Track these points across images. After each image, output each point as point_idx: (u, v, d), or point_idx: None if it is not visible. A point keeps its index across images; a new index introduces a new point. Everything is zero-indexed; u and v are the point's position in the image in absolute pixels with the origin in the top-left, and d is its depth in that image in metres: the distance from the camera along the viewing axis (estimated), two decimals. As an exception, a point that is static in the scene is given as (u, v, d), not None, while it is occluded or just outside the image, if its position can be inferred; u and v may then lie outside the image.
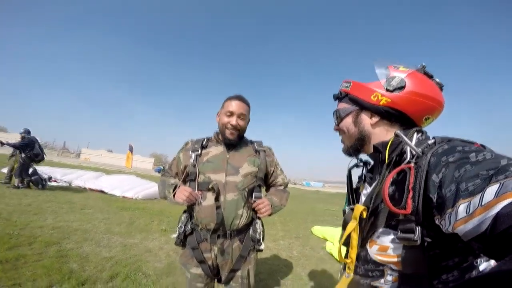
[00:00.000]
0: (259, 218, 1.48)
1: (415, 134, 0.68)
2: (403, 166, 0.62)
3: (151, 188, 8.91)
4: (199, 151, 1.44)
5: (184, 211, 1.48)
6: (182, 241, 1.41)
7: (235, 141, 1.43)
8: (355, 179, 0.91)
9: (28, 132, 7.48)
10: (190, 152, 1.44)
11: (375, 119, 0.75)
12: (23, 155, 7.04)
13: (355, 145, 0.81)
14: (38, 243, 3.05)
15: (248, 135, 1.56)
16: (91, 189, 8.39)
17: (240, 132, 1.43)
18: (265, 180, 1.55)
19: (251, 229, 1.44)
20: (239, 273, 1.40)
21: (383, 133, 0.75)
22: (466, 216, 0.45)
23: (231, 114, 1.39)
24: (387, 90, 0.71)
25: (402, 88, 0.69)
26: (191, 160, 1.41)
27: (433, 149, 0.59)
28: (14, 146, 7.10)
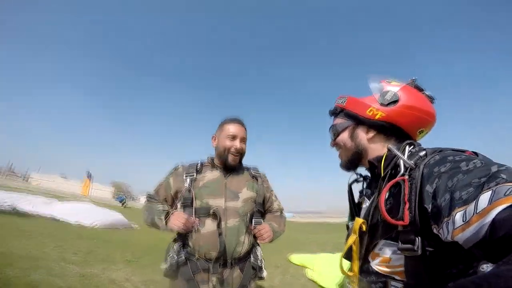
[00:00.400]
0: (258, 244, 1.41)
1: (407, 147, 0.69)
2: (397, 178, 0.63)
3: (111, 216, 8.09)
4: (194, 175, 1.35)
5: (175, 239, 1.33)
6: (174, 272, 1.25)
7: (237, 165, 1.39)
8: (356, 194, 0.91)
9: None
10: (184, 176, 1.34)
11: (371, 133, 0.76)
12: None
13: (352, 160, 0.81)
14: (-28, 270, 2.47)
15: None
16: (39, 215, 7.31)
17: (241, 156, 1.40)
18: (262, 206, 1.48)
19: (251, 256, 1.34)
20: None
21: (379, 148, 0.76)
22: (463, 224, 0.46)
23: (234, 137, 1.36)
24: (382, 104, 0.73)
25: (395, 102, 0.72)
26: (186, 185, 1.31)
27: (425, 161, 0.60)
28: None
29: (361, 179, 0.87)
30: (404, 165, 0.64)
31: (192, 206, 1.27)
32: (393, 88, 0.73)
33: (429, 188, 0.55)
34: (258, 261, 1.35)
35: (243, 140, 1.39)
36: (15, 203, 7.98)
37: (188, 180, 1.32)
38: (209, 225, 1.24)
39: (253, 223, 1.34)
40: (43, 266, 3.02)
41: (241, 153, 1.38)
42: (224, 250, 1.22)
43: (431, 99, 0.75)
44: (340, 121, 0.83)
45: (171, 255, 1.25)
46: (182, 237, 1.28)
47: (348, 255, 0.75)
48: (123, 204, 20.42)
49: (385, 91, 0.73)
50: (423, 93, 0.75)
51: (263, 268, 1.38)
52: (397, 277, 0.62)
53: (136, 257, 4.31)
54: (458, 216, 0.46)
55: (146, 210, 1.38)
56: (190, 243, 1.26)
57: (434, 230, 0.53)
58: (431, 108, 0.74)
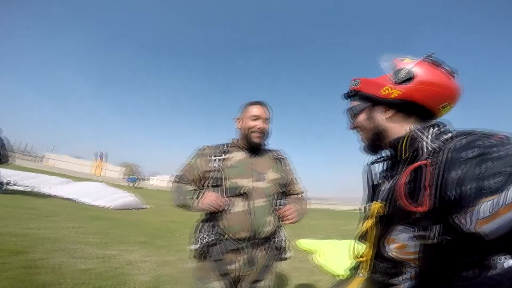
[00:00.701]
0: (282, 226, 1.42)
1: (431, 128, 0.66)
2: (419, 162, 0.60)
3: (125, 197, 8.35)
4: (223, 155, 1.37)
5: (203, 220, 1.35)
6: (203, 253, 1.26)
7: (260, 145, 1.41)
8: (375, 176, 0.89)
9: None
10: (212, 157, 1.37)
11: (390, 113, 0.74)
12: (-18, 153, 6.25)
13: (373, 141, 0.80)
14: (0, 252, 2.62)
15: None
16: (56, 196, 7.61)
17: (265, 136, 1.42)
18: (285, 188, 1.50)
19: (275, 237, 1.37)
20: (261, 284, 1.32)
21: (399, 127, 0.74)
22: (489, 215, 0.44)
23: (257, 118, 1.38)
24: (396, 82, 0.70)
25: (411, 79, 0.69)
26: (215, 165, 1.34)
27: (451, 144, 0.57)
28: None
29: (381, 159, 0.85)
30: (427, 148, 0.61)
31: (222, 186, 1.29)
32: (407, 65, 0.70)
33: (454, 175, 0.52)
34: (282, 242, 1.38)
35: (266, 120, 1.41)
36: (33, 184, 8.34)
37: (217, 160, 1.35)
38: (239, 205, 1.27)
39: (277, 204, 1.35)
40: (64, 248, 3.18)
41: (264, 133, 1.40)
42: (253, 230, 1.25)
43: (451, 73, 0.71)
44: (355, 103, 0.82)
45: (201, 235, 1.27)
46: (212, 218, 1.30)
47: (362, 239, 0.75)
48: (134, 185, 21.03)
49: (398, 69, 0.71)
50: (442, 67, 0.71)
51: (287, 249, 1.41)
52: (412, 264, 0.61)
53: (150, 239, 4.49)
54: (484, 206, 0.45)
55: (176, 191, 1.39)
56: (220, 223, 1.27)
57: (456, 220, 0.51)
58: (451, 82, 0.70)
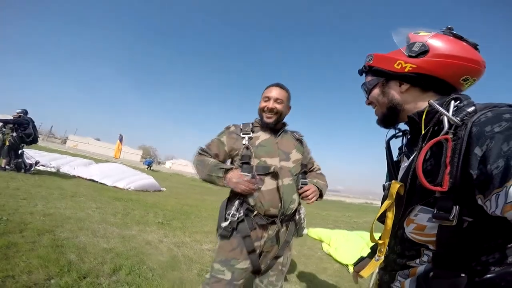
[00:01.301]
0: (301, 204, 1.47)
1: (453, 101, 0.62)
2: (439, 137, 0.57)
3: (143, 179, 8.65)
4: (251, 134, 1.41)
5: (231, 197, 1.38)
6: (231, 230, 1.28)
7: (272, 124, 1.42)
8: (395, 152, 0.87)
9: (25, 112, 7.04)
10: (241, 134, 1.41)
11: (405, 86, 0.72)
12: (14, 134, 6.62)
13: (388, 115, 0.78)
14: (30, 231, 2.80)
15: None
16: (80, 177, 8.01)
17: (277, 116, 1.42)
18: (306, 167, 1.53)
19: (296, 214, 1.42)
20: (280, 259, 1.40)
21: (416, 101, 0.71)
22: None
23: (268, 99, 1.41)
24: (410, 56, 0.68)
25: (425, 52, 0.66)
26: (244, 142, 1.37)
27: (475, 118, 0.53)
28: (6, 121, 6.67)
29: (400, 134, 0.83)
30: (449, 122, 0.57)
31: (250, 164, 1.31)
32: (422, 38, 0.68)
33: (478, 151, 0.49)
34: (302, 219, 1.43)
35: (278, 100, 1.41)
36: (59, 165, 8.81)
37: (246, 137, 1.39)
38: (269, 183, 1.30)
39: (300, 184, 1.39)
40: (88, 227, 3.36)
41: (274, 112, 1.41)
42: (282, 207, 1.30)
43: (473, 45, 0.67)
44: (370, 78, 0.82)
45: (232, 212, 1.29)
46: (240, 194, 1.31)
47: (381, 220, 0.74)
48: (149, 167, 21.79)
49: (412, 43, 0.69)
50: (462, 40, 0.67)
51: (304, 226, 1.47)
52: (430, 246, 0.59)
53: (167, 220, 4.66)
54: None
55: (199, 164, 1.40)
56: (251, 200, 1.30)
57: (479, 201, 0.49)
58: (473, 54, 0.65)
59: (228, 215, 1.29)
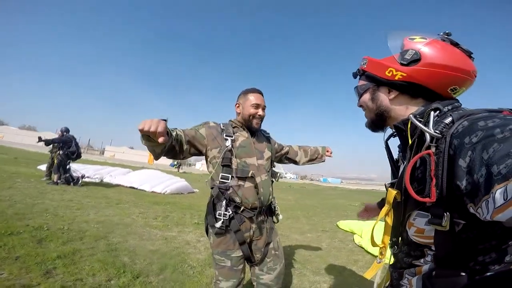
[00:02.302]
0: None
1: (432, 112, 0.62)
2: (422, 153, 0.59)
3: (177, 182, 9.15)
4: (233, 136, 1.52)
5: (215, 199, 1.46)
6: (225, 227, 1.42)
7: (259, 129, 1.62)
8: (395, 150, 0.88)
9: (67, 130, 7.83)
10: (224, 135, 1.51)
11: (393, 94, 0.73)
12: (61, 152, 7.40)
13: (376, 121, 0.80)
14: (88, 238, 3.20)
15: (269, 128, 1.80)
16: (121, 185, 8.72)
17: (262, 121, 1.61)
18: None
19: (272, 204, 1.63)
20: (271, 245, 1.58)
21: (403, 108, 0.72)
22: (504, 203, 0.41)
23: (258, 106, 1.55)
24: (401, 64, 0.69)
25: (417, 60, 0.66)
26: (227, 144, 1.48)
27: (453, 129, 0.54)
28: (52, 141, 7.48)
29: (396, 135, 0.84)
30: (430, 135, 0.59)
31: (232, 166, 1.46)
32: (416, 45, 0.68)
33: (462, 163, 0.50)
34: (276, 207, 1.66)
35: (264, 108, 1.59)
36: (101, 175, 9.64)
37: (229, 140, 1.49)
38: (249, 181, 1.48)
39: (273, 177, 1.64)
40: (135, 232, 3.73)
41: (262, 119, 1.60)
42: (262, 200, 1.50)
43: (467, 53, 0.67)
44: (362, 82, 0.83)
45: (222, 212, 1.41)
46: (226, 195, 1.44)
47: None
48: (177, 167, 23.08)
49: (405, 50, 0.69)
50: (458, 47, 0.67)
51: (279, 213, 1.68)
52: (432, 247, 0.62)
53: (202, 220, 4.93)
54: (498, 194, 0.42)
55: None
56: (236, 198, 1.45)
57: (471, 210, 0.50)
58: (465, 64, 0.65)
59: (219, 215, 1.41)
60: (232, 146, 1.48)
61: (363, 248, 4.14)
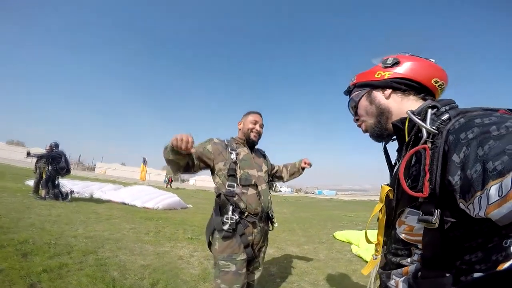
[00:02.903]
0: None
1: (429, 110, 0.65)
2: (418, 147, 0.59)
3: (170, 198, 8.97)
4: (236, 150, 1.71)
5: (221, 206, 1.59)
6: (233, 230, 1.53)
7: (256, 142, 1.82)
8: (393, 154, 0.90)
9: (56, 145, 7.68)
10: (229, 150, 1.69)
11: (388, 92, 0.78)
12: (49, 167, 7.22)
13: (379, 123, 0.80)
14: (76, 252, 3.07)
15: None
16: (112, 201, 8.48)
17: (259, 137, 1.84)
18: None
19: (270, 211, 1.78)
20: (263, 249, 1.76)
21: (399, 106, 0.76)
22: (499, 200, 0.41)
23: (256, 122, 1.81)
24: (385, 67, 0.78)
25: (397, 63, 0.77)
26: (232, 157, 1.66)
27: (449, 125, 0.56)
28: (41, 156, 7.31)
29: (395, 137, 0.84)
30: (427, 131, 0.60)
31: (236, 175, 1.62)
32: (392, 55, 0.79)
33: (456, 158, 0.50)
34: (273, 214, 1.80)
35: (261, 125, 1.85)
36: (92, 191, 9.38)
37: (234, 154, 1.68)
38: (252, 189, 1.65)
39: (271, 187, 1.85)
40: (126, 247, 3.59)
41: (259, 134, 1.82)
42: (263, 206, 1.66)
43: (430, 60, 0.77)
44: (355, 93, 0.87)
45: (229, 217, 1.53)
46: (231, 202, 1.58)
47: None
48: (166, 185, 22.90)
49: (385, 59, 0.79)
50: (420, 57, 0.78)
51: (274, 221, 1.82)
52: (419, 246, 0.62)
53: (195, 235, 4.82)
54: (493, 190, 0.42)
55: (165, 149, 1.48)
56: (241, 204, 1.59)
57: (461, 205, 0.49)
58: (434, 63, 0.76)
59: (227, 219, 1.53)
60: (236, 158, 1.66)
61: (361, 257, 4.10)
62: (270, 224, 1.80)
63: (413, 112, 0.67)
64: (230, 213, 1.54)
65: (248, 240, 1.58)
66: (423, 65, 0.75)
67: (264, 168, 1.83)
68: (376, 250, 0.78)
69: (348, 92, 0.91)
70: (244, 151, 1.75)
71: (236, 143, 1.79)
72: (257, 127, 1.80)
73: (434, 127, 0.59)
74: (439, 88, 0.75)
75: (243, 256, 1.55)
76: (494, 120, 0.49)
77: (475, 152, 0.47)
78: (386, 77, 0.77)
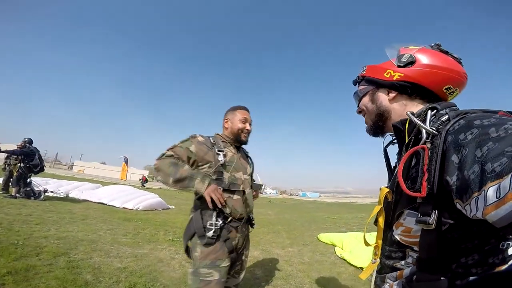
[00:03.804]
0: None
1: (429, 111, 0.65)
2: (416, 147, 0.60)
3: (151, 199, 8.68)
4: (224, 151, 1.56)
5: (203, 209, 1.47)
6: (217, 236, 1.42)
7: (247, 143, 1.70)
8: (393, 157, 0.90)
9: (30, 142, 7.24)
10: (216, 150, 1.53)
11: (392, 94, 0.76)
12: (21, 165, 6.79)
13: (376, 122, 0.81)
14: (45, 254, 2.87)
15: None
16: (89, 200, 8.08)
17: (248, 136, 1.70)
18: None
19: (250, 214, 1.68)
20: (245, 251, 1.65)
21: (402, 108, 0.75)
22: (496, 201, 0.41)
23: (245, 120, 1.65)
24: (398, 66, 0.74)
25: (413, 62, 0.72)
26: (219, 159, 1.50)
27: (448, 126, 0.56)
28: (13, 152, 6.86)
29: (395, 142, 0.85)
30: (426, 132, 0.60)
31: (223, 179, 1.49)
32: (411, 50, 0.73)
33: (454, 158, 0.50)
34: (252, 217, 1.69)
35: (251, 123, 1.69)
36: (67, 190, 8.92)
37: (221, 154, 1.52)
38: (238, 193, 1.54)
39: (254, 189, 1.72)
40: (101, 248, 3.40)
41: (249, 133, 1.69)
42: (248, 210, 1.58)
43: (457, 59, 0.72)
44: (362, 87, 0.86)
45: (213, 222, 1.42)
46: (214, 205, 1.42)
47: (375, 225, 0.77)
48: (142, 185, 22.19)
49: (401, 54, 0.74)
50: (448, 55, 0.72)
51: (254, 222, 1.72)
52: (415, 248, 0.61)
53: (177, 237, 4.67)
54: (490, 191, 0.41)
55: (174, 166, 1.44)
56: (226, 209, 1.47)
57: (458, 206, 0.49)
58: (455, 66, 0.71)
59: (210, 225, 1.42)
60: (224, 161, 1.52)
61: (345, 260, 4.11)
62: (250, 226, 1.70)
63: (413, 114, 0.67)
64: (213, 218, 1.43)
65: (233, 245, 1.49)
66: (439, 70, 0.69)
67: (249, 170, 1.69)
68: (375, 254, 0.76)
69: (357, 82, 0.89)
70: (231, 151, 1.61)
71: (222, 141, 1.63)
72: (248, 126, 1.65)
73: (433, 128, 0.60)
74: (450, 96, 0.74)
75: (227, 263, 1.45)
76: (493, 122, 0.49)
77: (473, 153, 0.47)
78: (395, 78, 0.74)
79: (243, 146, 1.76)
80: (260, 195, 1.85)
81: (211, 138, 1.59)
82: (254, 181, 1.76)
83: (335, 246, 4.98)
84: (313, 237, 6.01)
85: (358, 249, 4.13)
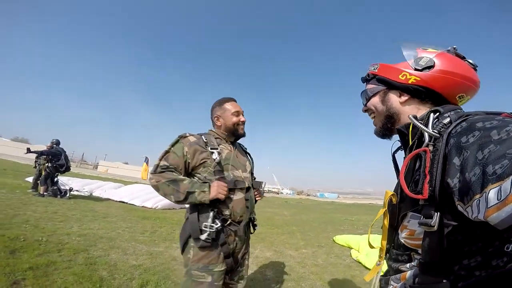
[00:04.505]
0: None
1: (432, 114, 0.65)
2: (418, 150, 0.60)
3: (169, 198, 8.90)
4: (218, 148, 1.45)
5: (201, 210, 1.36)
6: (212, 240, 1.31)
7: (245, 135, 1.59)
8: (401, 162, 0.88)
9: (58, 142, 7.69)
10: (209, 149, 1.42)
11: (404, 97, 0.75)
12: (49, 164, 7.21)
13: (385, 124, 0.80)
14: (66, 250, 3.00)
15: (255, 146, 1.72)
16: (111, 199, 8.44)
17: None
18: None
19: (252, 215, 1.58)
20: (246, 255, 1.56)
21: (413, 111, 0.74)
22: (498, 203, 0.40)
23: (238, 113, 1.55)
24: (416, 69, 0.72)
25: (431, 67, 0.70)
26: (214, 157, 1.40)
27: (450, 128, 0.56)
28: (41, 153, 7.31)
29: (400, 140, 0.84)
30: (429, 135, 0.60)
31: (225, 178, 1.40)
32: (429, 54, 0.71)
33: (456, 161, 0.50)
34: (254, 219, 1.61)
35: (243, 113, 1.59)
36: (91, 189, 9.36)
37: (216, 152, 1.42)
38: (239, 193, 1.44)
39: (255, 187, 1.60)
40: (119, 246, 3.52)
41: (244, 124, 1.59)
42: (250, 212, 1.49)
43: (473, 66, 0.71)
44: (371, 86, 0.83)
45: (208, 224, 1.30)
46: (214, 206, 1.35)
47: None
48: None
49: (419, 57, 0.72)
50: (464, 60, 0.71)
51: (256, 224, 1.64)
52: (419, 250, 0.61)
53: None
54: (492, 193, 0.41)
55: (172, 183, 1.33)
56: (226, 211, 1.39)
57: (459, 208, 0.49)
58: (472, 74, 0.70)
59: (205, 227, 1.30)
60: (219, 159, 1.41)
61: (361, 263, 3.97)
62: (252, 228, 1.61)
63: (415, 117, 0.67)
64: (209, 220, 1.31)
65: (229, 250, 1.38)
66: (457, 78, 0.68)
67: (249, 167, 1.57)
68: (380, 256, 0.76)
69: (366, 80, 0.86)
70: (226, 148, 1.50)
71: (216, 138, 1.52)
72: (242, 117, 1.55)
73: (436, 131, 0.60)
74: (460, 102, 0.73)
75: (222, 267, 1.35)
76: (495, 124, 0.49)
77: (474, 155, 0.47)
78: (410, 81, 0.72)
79: (240, 141, 1.66)
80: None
81: (203, 137, 1.47)
82: (255, 178, 1.65)
83: (351, 248, 4.83)
84: (329, 239, 5.88)
85: (375, 252, 3.96)
